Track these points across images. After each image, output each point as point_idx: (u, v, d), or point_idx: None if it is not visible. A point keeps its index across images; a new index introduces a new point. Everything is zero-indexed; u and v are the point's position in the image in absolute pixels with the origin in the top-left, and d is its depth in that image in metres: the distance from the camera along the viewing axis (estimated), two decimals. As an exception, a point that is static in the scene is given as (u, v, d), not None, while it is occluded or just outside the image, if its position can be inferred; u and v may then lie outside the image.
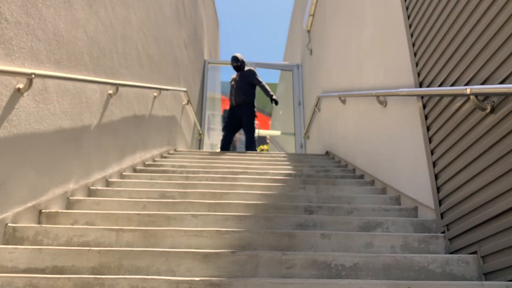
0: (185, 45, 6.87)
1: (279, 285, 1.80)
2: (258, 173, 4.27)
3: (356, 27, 4.80)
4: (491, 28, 2.13)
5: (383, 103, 3.71)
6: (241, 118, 6.59)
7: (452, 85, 2.48)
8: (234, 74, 6.83)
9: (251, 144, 6.47)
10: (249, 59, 9.68)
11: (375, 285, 1.83)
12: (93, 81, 3.19)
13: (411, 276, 2.11)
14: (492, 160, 2.06)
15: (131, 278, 1.78)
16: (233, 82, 6.73)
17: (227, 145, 6.63)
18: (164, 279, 1.78)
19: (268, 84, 6.69)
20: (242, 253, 2.10)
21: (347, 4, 5.33)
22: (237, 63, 6.73)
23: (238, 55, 6.75)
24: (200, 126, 8.12)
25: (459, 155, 2.38)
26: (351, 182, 4.00)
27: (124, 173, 3.93)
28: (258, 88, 6.81)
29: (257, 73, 6.72)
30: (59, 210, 2.70)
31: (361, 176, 4.25)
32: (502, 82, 2.02)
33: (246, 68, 6.77)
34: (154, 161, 4.92)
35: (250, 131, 6.52)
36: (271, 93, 6.51)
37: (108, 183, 3.54)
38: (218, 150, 10.62)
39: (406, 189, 3.23)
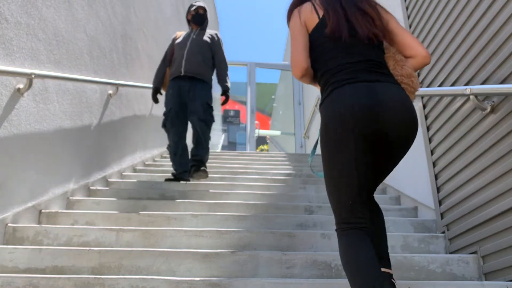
0: (185, 45, 6.86)
1: (279, 285, 1.80)
2: (258, 173, 4.27)
3: (356, 27, 4.79)
4: (491, 28, 2.12)
5: (383, 103, 3.71)
6: (190, 101, 3.64)
7: (452, 85, 2.48)
8: (180, 32, 4.09)
9: (204, 154, 3.59)
10: (249, 59, 9.68)
11: (375, 285, 1.82)
12: (93, 81, 3.19)
13: (411, 276, 2.11)
14: (492, 160, 2.06)
15: (131, 278, 1.78)
16: (180, 40, 3.87)
17: (183, 160, 3.68)
18: (164, 279, 1.78)
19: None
20: (242, 253, 2.10)
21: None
22: (203, 12, 3.92)
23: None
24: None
25: (459, 155, 2.38)
26: (351, 182, 3.98)
27: (124, 173, 3.93)
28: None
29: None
30: (59, 210, 2.70)
31: (361, 176, 4.24)
32: (502, 82, 2.02)
33: (210, 30, 3.99)
34: (154, 161, 4.92)
35: (204, 130, 3.59)
36: (228, 84, 3.88)
37: (108, 183, 3.54)
38: (218, 150, 10.62)
39: (406, 189, 3.23)
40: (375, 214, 1.55)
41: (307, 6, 1.62)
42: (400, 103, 1.44)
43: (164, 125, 3.70)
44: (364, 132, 1.39)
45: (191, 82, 3.65)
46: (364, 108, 1.39)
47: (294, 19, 1.62)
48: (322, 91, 1.55)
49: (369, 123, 1.39)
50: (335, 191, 1.44)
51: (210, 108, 3.65)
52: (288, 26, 1.65)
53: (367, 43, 1.54)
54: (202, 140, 3.59)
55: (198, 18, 3.90)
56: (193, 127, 3.63)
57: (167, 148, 3.78)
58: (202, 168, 3.49)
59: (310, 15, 1.60)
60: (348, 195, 1.41)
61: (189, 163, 3.58)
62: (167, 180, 3.68)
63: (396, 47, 1.61)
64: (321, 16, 1.58)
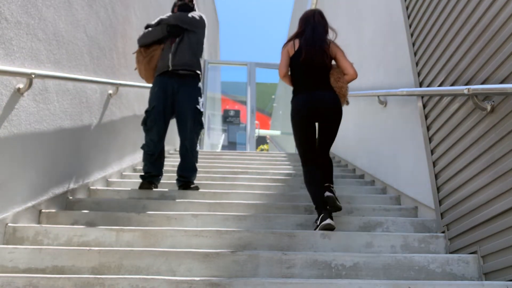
0: (185, 45, 6.85)
1: (279, 285, 1.80)
2: (258, 173, 4.27)
3: (356, 27, 4.80)
4: (491, 28, 2.12)
5: (383, 103, 3.71)
6: (178, 99, 3.39)
7: (452, 85, 2.48)
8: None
9: (191, 175, 3.42)
10: (249, 59, 9.68)
11: (375, 285, 1.83)
12: (93, 81, 3.19)
13: (411, 276, 2.11)
14: (492, 160, 2.06)
15: (131, 278, 1.78)
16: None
17: (158, 163, 3.45)
18: (164, 279, 1.78)
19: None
20: (242, 253, 2.10)
21: (347, 4, 5.33)
22: None
23: None
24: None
25: (459, 155, 2.38)
26: (351, 182, 4.00)
27: (124, 173, 3.93)
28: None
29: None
30: (59, 210, 2.70)
31: (361, 176, 4.25)
32: (502, 82, 2.01)
33: (196, 13, 3.73)
34: (154, 161, 4.90)
35: (193, 133, 3.39)
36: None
37: (108, 183, 3.54)
38: (219, 150, 10.61)
39: (406, 189, 3.23)
40: (324, 163, 2.75)
41: (290, 44, 2.91)
42: (326, 100, 2.75)
43: (148, 123, 3.48)
44: (308, 115, 2.75)
45: (181, 78, 3.46)
46: (307, 104, 2.75)
47: (283, 49, 2.94)
48: (292, 92, 2.90)
49: (310, 110, 2.74)
50: (298, 146, 2.83)
51: (201, 115, 3.44)
52: (281, 52, 2.96)
53: (318, 68, 2.81)
54: (191, 156, 3.41)
55: (184, 7, 3.82)
56: (183, 137, 3.43)
57: (142, 147, 3.46)
58: (192, 186, 3.41)
59: (291, 48, 2.89)
60: (303, 148, 2.79)
61: (162, 168, 3.48)
62: (142, 188, 3.30)
63: (340, 68, 2.87)
64: (296, 49, 2.86)
